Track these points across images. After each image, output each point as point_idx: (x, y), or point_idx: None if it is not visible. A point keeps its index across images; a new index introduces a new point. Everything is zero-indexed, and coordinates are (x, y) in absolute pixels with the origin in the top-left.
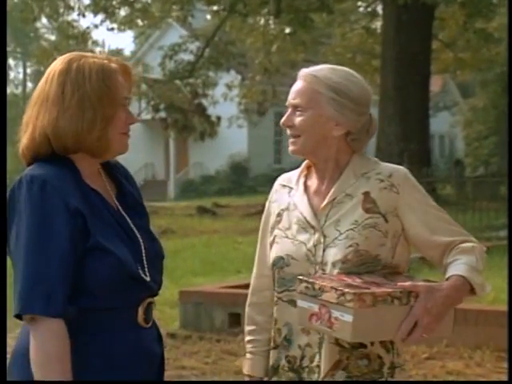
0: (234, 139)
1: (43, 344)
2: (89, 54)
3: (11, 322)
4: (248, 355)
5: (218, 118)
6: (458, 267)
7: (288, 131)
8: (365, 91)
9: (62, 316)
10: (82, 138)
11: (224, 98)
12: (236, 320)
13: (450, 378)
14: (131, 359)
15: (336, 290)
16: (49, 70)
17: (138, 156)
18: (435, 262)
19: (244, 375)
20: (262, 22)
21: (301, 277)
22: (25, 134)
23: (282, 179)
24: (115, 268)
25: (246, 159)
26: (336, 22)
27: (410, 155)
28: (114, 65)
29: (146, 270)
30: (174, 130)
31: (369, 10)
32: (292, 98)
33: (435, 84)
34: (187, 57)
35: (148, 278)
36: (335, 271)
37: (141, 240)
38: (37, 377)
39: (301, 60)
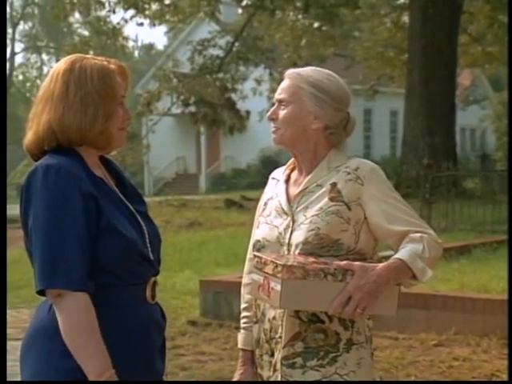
0: (264, 133)
1: (74, 317)
2: (89, 56)
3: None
4: (241, 330)
5: (247, 113)
6: (400, 252)
7: (272, 124)
8: (343, 90)
9: (84, 289)
10: (85, 132)
11: (253, 93)
12: None
13: (456, 364)
14: (144, 329)
15: (273, 262)
16: (52, 70)
17: (170, 150)
18: (394, 250)
19: (239, 349)
20: (291, 16)
21: (255, 253)
22: (30, 131)
23: (274, 173)
24: (127, 247)
25: (276, 153)
26: (365, 16)
27: (435, 149)
28: (112, 66)
29: (150, 251)
30: (204, 124)
31: (398, 3)
32: (278, 93)
33: (465, 78)
34: (216, 52)
35: (152, 258)
36: (297, 252)
37: (143, 224)
38: (72, 348)
39: (330, 54)
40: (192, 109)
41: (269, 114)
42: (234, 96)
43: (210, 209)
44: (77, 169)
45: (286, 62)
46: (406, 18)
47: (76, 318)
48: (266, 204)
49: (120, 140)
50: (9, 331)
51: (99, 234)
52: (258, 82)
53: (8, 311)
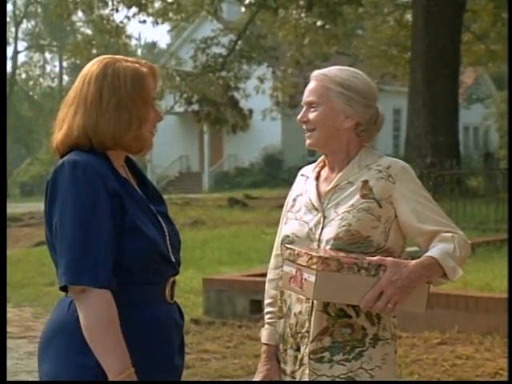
0: (267, 132)
1: (97, 313)
2: (120, 57)
3: None
4: (266, 326)
5: (250, 111)
6: (432, 251)
7: (304, 126)
8: (370, 86)
9: (108, 287)
10: (120, 138)
11: (256, 91)
12: (257, 307)
13: (460, 362)
14: (164, 328)
15: (307, 254)
16: (84, 71)
17: (173, 148)
18: (422, 249)
19: (262, 344)
20: (294, 15)
21: (287, 245)
22: (60, 131)
23: (303, 170)
24: (149, 247)
25: (279, 151)
26: (368, 15)
27: (438, 147)
28: (144, 69)
29: (170, 251)
30: (207, 123)
31: (401, 1)
32: (306, 96)
33: (468, 76)
34: (219, 50)
35: (173, 259)
36: (327, 247)
37: (164, 224)
38: (93, 345)
39: (333, 53)
40: (195, 107)
41: (299, 117)
42: (236, 94)
43: (213, 207)
44: (103, 167)
45: (288, 61)
46: (409, 17)
47: (99, 315)
48: (294, 200)
49: (151, 142)
50: (12, 329)
51: (123, 232)
52: (261, 80)
53: (11, 309)
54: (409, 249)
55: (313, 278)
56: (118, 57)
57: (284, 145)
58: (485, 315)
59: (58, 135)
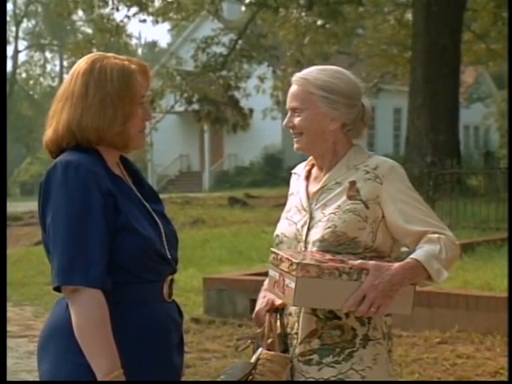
0: (268, 131)
1: (88, 313)
2: (111, 54)
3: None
4: None
5: (251, 111)
6: (416, 252)
7: (291, 131)
8: (353, 86)
9: (101, 287)
10: (104, 133)
11: (256, 91)
12: None
13: (460, 362)
14: (162, 326)
15: (288, 260)
16: (74, 68)
17: (173, 147)
18: (410, 250)
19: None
20: (294, 14)
21: (271, 248)
22: (50, 127)
23: (296, 168)
24: (144, 245)
25: (280, 151)
26: (369, 14)
27: (438, 147)
28: (133, 66)
29: (167, 249)
30: (207, 122)
31: (402, 0)
32: (289, 101)
33: (469, 76)
34: (220, 49)
35: (169, 257)
36: (314, 249)
37: (159, 223)
38: (83, 344)
39: (333, 52)
40: (195, 106)
41: (285, 122)
42: (237, 94)
43: (214, 206)
44: (96, 166)
45: (289, 60)
46: (409, 16)
47: (90, 315)
48: (288, 199)
49: (138, 141)
50: (12, 329)
51: (117, 231)
52: (262, 79)
53: (11, 309)
54: (405, 248)
55: (293, 285)
56: (108, 54)
57: (284, 144)
58: (485, 314)
59: (48, 132)
